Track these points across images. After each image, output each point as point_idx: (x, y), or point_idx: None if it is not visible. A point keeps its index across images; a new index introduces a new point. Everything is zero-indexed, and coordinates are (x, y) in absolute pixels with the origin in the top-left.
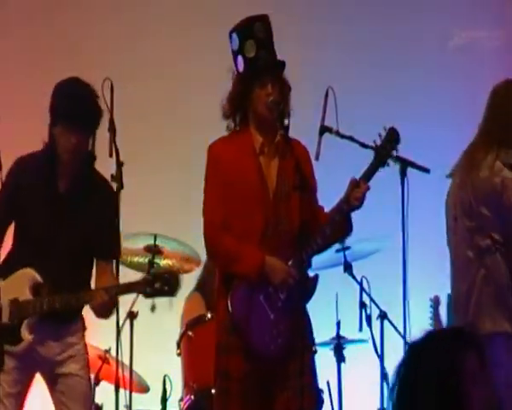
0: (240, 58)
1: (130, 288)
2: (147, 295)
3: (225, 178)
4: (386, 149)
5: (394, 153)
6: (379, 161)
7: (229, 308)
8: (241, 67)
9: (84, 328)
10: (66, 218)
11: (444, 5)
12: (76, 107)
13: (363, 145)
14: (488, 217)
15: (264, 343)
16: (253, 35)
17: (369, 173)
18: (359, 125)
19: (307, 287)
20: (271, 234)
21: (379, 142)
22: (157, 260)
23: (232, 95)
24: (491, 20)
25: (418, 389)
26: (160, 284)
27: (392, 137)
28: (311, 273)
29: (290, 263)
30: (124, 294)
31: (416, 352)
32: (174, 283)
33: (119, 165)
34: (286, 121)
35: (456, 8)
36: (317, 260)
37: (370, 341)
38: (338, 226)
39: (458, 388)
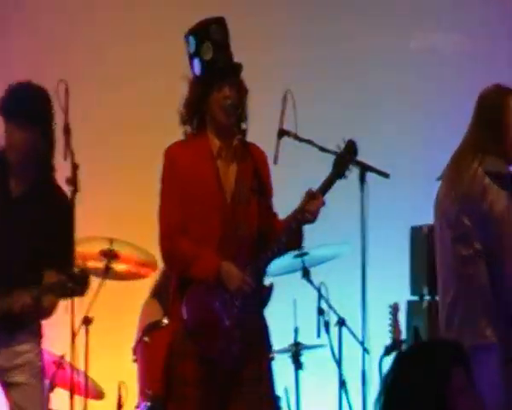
0: (196, 61)
1: (49, 289)
2: (62, 296)
3: (182, 182)
4: (344, 161)
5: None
6: (337, 173)
7: (184, 314)
8: (197, 70)
9: (39, 335)
10: (16, 225)
11: (405, 7)
12: (17, 102)
13: (322, 149)
14: (470, 227)
15: (219, 350)
16: (210, 37)
17: (327, 186)
18: (319, 128)
19: (263, 295)
20: (229, 239)
21: (338, 153)
22: (113, 265)
23: (189, 99)
24: (452, 22)
25: (405, 400)
26: (72, 283)
27: (351, 149)
28: (267, 280)
29: (246, 270)
30: (45, 295)
31: (405, 363)
32: (84, 282)
33: (75, 167)
34: (243, 125)
35: (418, 10)
36: (275, 265)
37: (328, 347)
38: (294, 235)
39: (446, 401)
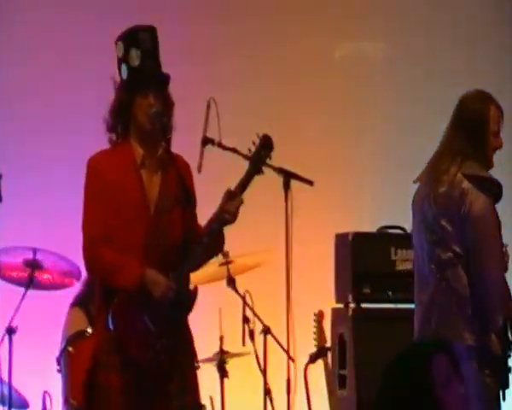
0: (124, 67)
1: None
2: None
3: (105, 191)
4: (259, 156)
5: (269, 159)
6: (253, 169)
7: (110, 324)
8: (124, 76)
9: None
10: None
11: (331, 16)
12: None
13: (245, 157)
14: (449, 230)
15: (145, 359)
16: (138, 44)
17: (244, 184)
18: (242, 136)
19: (187, 300)
20: (153, 248)
21: (253, 149)
22: (37, 275)
23: (114, 105)
24: (376, 31)
25: (395, 394)
26: None
27: (265, 144)
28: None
29: (171, 276)
30: None
31: (396, 359)
32: None
33: None
34: (168, 135)
35: (343, 19)
36: (199, 274)
37: (253, 356)
38: (217, 236)
39: (431, 392)
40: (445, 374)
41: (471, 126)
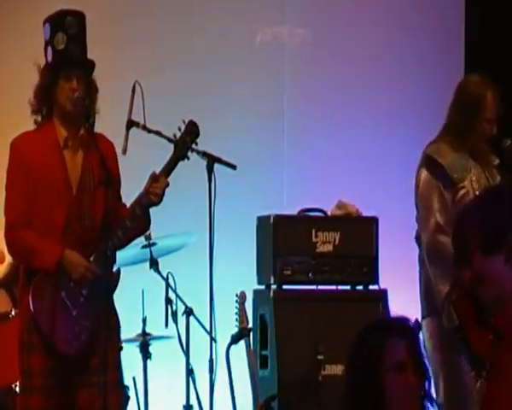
0: (49, 49)
1: None
2: None
3: (28, 173)
4: (185, 142)
5: (195, 145)
6: (178, 155)
7: (31, 306)
8: (49, 58)
9: None
10: None
11: (251, 2)
12: None
13: (169, 140)
14: (416, 215)
15: (66, 341)
16: (65, 28)
17: (169, 167)
18: (167, 119)
19: (110, 282)
20: (74, 229)
21: (179, 134)
22: None
23: (38, 86)
24: (296, 17)
25: (348, 374)
26: None
27: (191, 130)
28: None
29: (92, 258)
30: None
31: (355, 340)
32: None
33: None
34: (91, 119)
35: (262, 4)
36: (122, 256)
37: (176, 337)
38: (139, 219)
39: (380, 374)
40: (398, 359)
41: (465, 109)
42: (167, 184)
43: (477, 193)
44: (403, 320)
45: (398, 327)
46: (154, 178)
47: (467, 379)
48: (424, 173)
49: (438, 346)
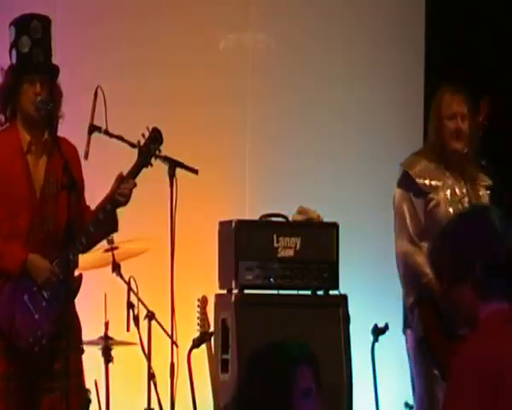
0: (14, 52)
1: None
2: None
3: None
4: (149, 149)
5: (158, 152)
6: (142, 162)
7: None
8: (14, 61)
9: None
10: None
11: (212, 8)
12: None
13: (132, 145)
14: None
15: (28, 344)
16: (30, 32)
17: (134, 172)
18: (128, 124)
19: (72, 286)
20: (37, 233)
21: (143, 141)
22: None
23: (2, 88)
24: (260, 23)
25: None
26: None
27: (155, 137)
28: (76, 272)
29: (55, 262)
30: None
31: (254, 361)
32: None
33: None
34: (55, 124)
35: (227, 11)
36: (85, 260)
37: (138, 341)
38: (103, 224)
39: (289, 403)
40: (306, 386)
41: (431, 116)
42: (134, 185)
43: (449, 208)
44: (306, 346)
45: (305, 354)
46: (121, 180)
47: (437, 389)
48: (397, 188)
49: (412, 356)
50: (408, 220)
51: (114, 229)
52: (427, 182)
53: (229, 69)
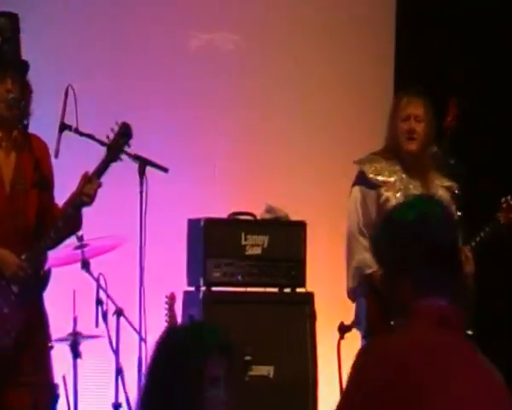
0: None
1: None
2: None
3: None
4: (117, 144)
5: (128, 147)
6: (110, 156)
7: None
8: None
9: None
10: None
11: (185, 8)
12: None
13: (102, 143)
14: None
15: None
16: None
17: (101, 169)
18: (100, 123)
19: (41, 281)
20: (6, 228)
21: (112, 136)
22: None
23: None
24: (230, 24)
25: (154, 383)
26: None
27: (124, 132)
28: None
29: (23, 257)
30: None
31: (159, 348)
32: None
33: None
34: (25, 121)
35: (198, 12)
36: (55, 256)
37: (106, 337)
38: (71, 220)
39: (192, 388)
40: (215, 373)
41: (389, 117)
42: (100, 185)
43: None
44: (222, 334)
45: (216, 342)
46: (86, 180)
47: None
48: (352, 186)
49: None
50: (359, 212)
51: (78, 227)
52: (379, 178)
53: (200, 70)
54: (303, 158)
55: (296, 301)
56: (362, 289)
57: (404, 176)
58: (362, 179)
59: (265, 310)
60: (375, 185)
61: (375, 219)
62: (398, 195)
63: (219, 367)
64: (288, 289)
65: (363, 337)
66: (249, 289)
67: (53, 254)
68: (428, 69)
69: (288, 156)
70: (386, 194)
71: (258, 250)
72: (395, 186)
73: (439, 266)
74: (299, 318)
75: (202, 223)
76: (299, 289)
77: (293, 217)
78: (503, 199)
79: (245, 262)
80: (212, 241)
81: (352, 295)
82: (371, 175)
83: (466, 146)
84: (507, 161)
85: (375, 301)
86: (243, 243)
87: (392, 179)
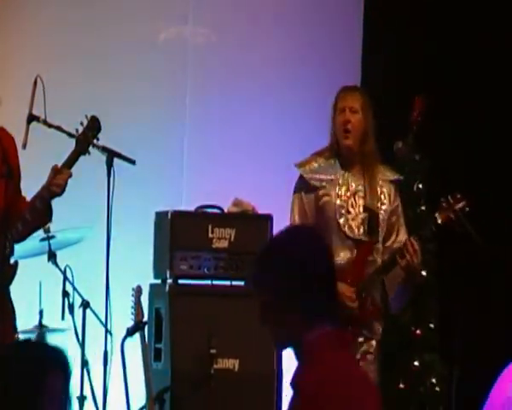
0: None
1: None
2: None
3: None
4: (86, 137)
5: (96, 140)
6: (79, 149)
7: None
8: None
9: None
10: None
11: (155, 0)
12: None
13: (70, 135)
14: None
15: None
16: None
17: (71, 161)
18: (69, 114)
19: (7, 273)
20: None
21: (81, 129)
22: None
23: None
24: (200, 16)
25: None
26: None
27: (93, 125)
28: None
29: None
30: None
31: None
32: None
33: None
34: None
35: (167, 4)
36: (21, 248)
37: (72, 329)
38: (39, 213)
39: (39, 405)
40: (55, 390)
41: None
42: (70, 175)
43: (340, 203)
44: (61, 352)
45: (57, 359)
46: (56, 171)
47: None
48: (293, 192)
49: None
50: (296, 217)
51: (49, 219)
52: (317, 177)
53: (168, 62)
54: (271, 152)
55: None
56: None
57: (344, 172)
58: (301, 184)
59: (231, 303)
60: (314, 188)
61: (316, 222)
62: (336, 194)
63: (59, 383)
64: None
65: None
66: (215, 283)
67: (19, 246)
68: (395, 68)
69: (256, 150)
70: (326, 195)
71: (225, 243)
72: (335, 185)
73: (320, 290)
74: None
75: (169, 215)
76: None
77: (263, 210)
78: (443, 198)
79: (212, 255)
80: (179, 233)
81: None
82: (309, 176)
83: (434, 142)
84: (474, 158)
85: None
86: (210, 235)
87: (332, 177)
